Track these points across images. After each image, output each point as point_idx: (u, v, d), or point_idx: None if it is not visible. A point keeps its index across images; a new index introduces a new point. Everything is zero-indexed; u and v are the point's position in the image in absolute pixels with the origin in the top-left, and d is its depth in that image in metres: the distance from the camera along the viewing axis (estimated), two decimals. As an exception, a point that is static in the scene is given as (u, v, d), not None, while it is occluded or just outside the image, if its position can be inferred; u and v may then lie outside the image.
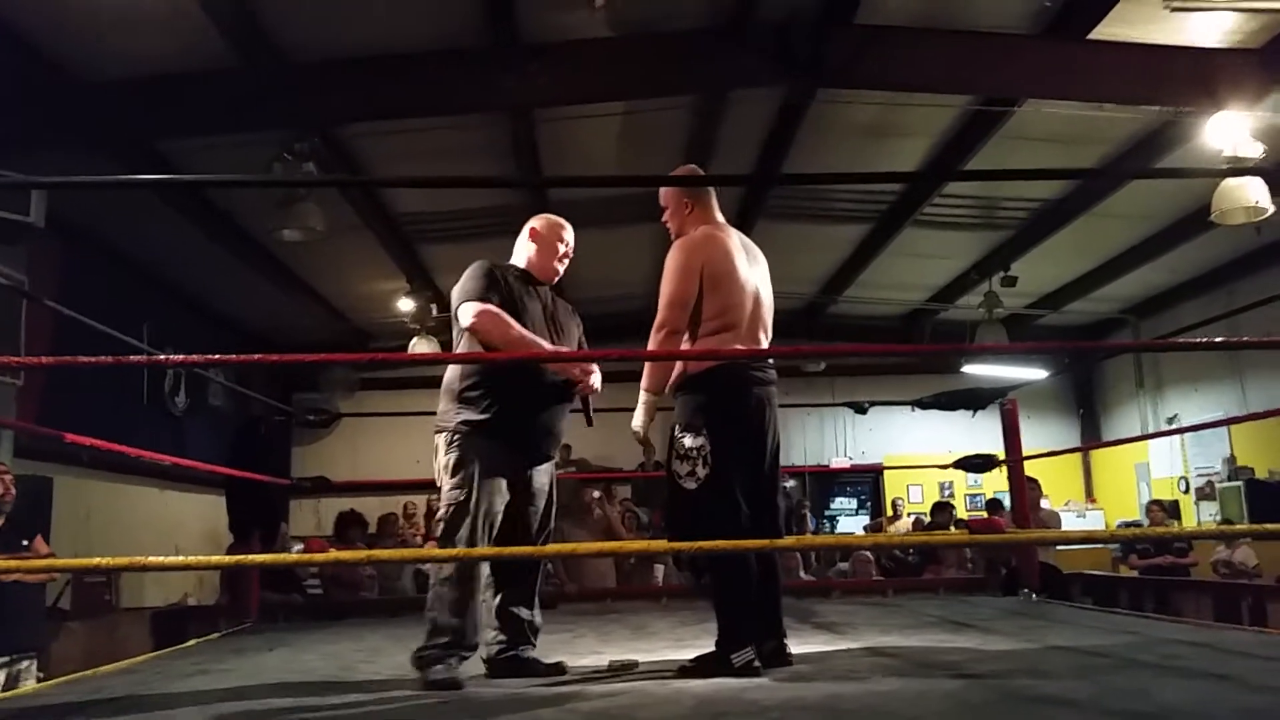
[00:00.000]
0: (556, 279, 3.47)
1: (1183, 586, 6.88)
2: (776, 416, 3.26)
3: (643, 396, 3.22)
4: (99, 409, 7.35)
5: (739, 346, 3.16)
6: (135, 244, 8.15)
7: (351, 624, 5.41)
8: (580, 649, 3.77)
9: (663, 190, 3.48)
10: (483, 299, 3.15)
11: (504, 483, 3.16)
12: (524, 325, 3.17)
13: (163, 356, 1.57)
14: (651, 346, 3.16)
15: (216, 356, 1.93)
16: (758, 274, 3.32)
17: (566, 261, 3.48)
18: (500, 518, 3.16)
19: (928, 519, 9.67)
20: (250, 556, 1.88)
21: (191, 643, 4.67)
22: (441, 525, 3.12)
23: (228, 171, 6.56)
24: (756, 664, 2.95)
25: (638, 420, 3.23)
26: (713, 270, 3.16)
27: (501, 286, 3.21)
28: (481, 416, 3.13)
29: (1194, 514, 10.63)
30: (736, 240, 3.31)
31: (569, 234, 3.49)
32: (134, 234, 7.91)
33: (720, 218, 3.37)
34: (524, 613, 3.27)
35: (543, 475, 3.34)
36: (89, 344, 4.13)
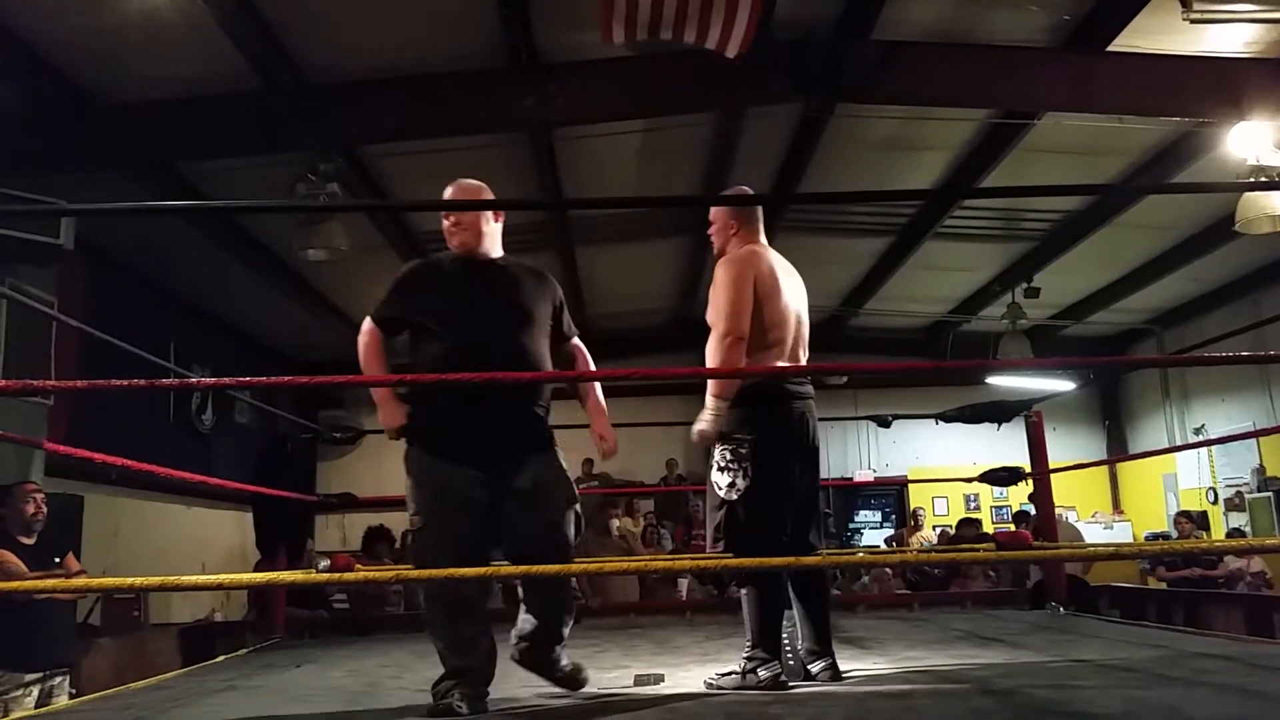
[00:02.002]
0: (474, 248, 3.12)
1: (1213, 599, 6.80)
2: (817, 431, 3.31)
3: (712, 403, 3.10)
4: (127, 427, 7.44)
5: (783, 364, 3.20)
6: (161, 264, 8.25)
7: (377, 639, 5.45)
8: (605, 663, 3.78)
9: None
10: (372, 315, 3.13)
11: (456, 499, 2.88)
12: (441, 315, 3.01)
13: (194, 379, 1.59)
14: (718, 355, 3.11)
15: (248, 379, 1.96)
16: (797, 293, 3.36)
17: (460, 229, 3.15)
18: (471, 535, 2.87)
19: (952, 531, 9.63)
20: (280, 574, 1.90)
21: (220, 659, 4.71)
22: (411, 554, 3.12)
23: (251, 192, 6.62)
24: (783, 678, 2.97)
25: (706, 424, 3.13)
26: (761, 286, 3.20)
27: (401, 290, 3.10)
28: (418, 427, 2.97)
29: (1223, 525, 10.52)
30: (778, 260, 3.36)
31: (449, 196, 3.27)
32: (159, 254, 8.02)
33: (764, 239, 3.43)
34: (553, 651, 3.05)
35: (521, 482, 2.92)
36: (117, 363, 4.19)
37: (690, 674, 3.37)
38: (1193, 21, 5.14)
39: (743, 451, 3.11)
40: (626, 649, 4.34)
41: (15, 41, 5.08)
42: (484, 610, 3.00)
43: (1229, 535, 9.79)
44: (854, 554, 8.11)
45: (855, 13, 5.65)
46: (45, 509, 5.06)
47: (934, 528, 11.41)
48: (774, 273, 3.26)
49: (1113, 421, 13.00)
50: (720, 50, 5.15)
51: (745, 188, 3.73)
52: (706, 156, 7.30)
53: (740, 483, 3.09)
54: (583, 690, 3.09)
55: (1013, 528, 9.67)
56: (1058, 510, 7.54)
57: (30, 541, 4.95)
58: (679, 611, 6.32)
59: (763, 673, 2.96)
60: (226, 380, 1.94)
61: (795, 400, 3.21)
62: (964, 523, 9.43)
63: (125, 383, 2.16)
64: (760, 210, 3.51)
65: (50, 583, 4.07)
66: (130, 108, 5.82)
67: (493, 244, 3.17)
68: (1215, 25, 5.35)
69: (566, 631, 3.09)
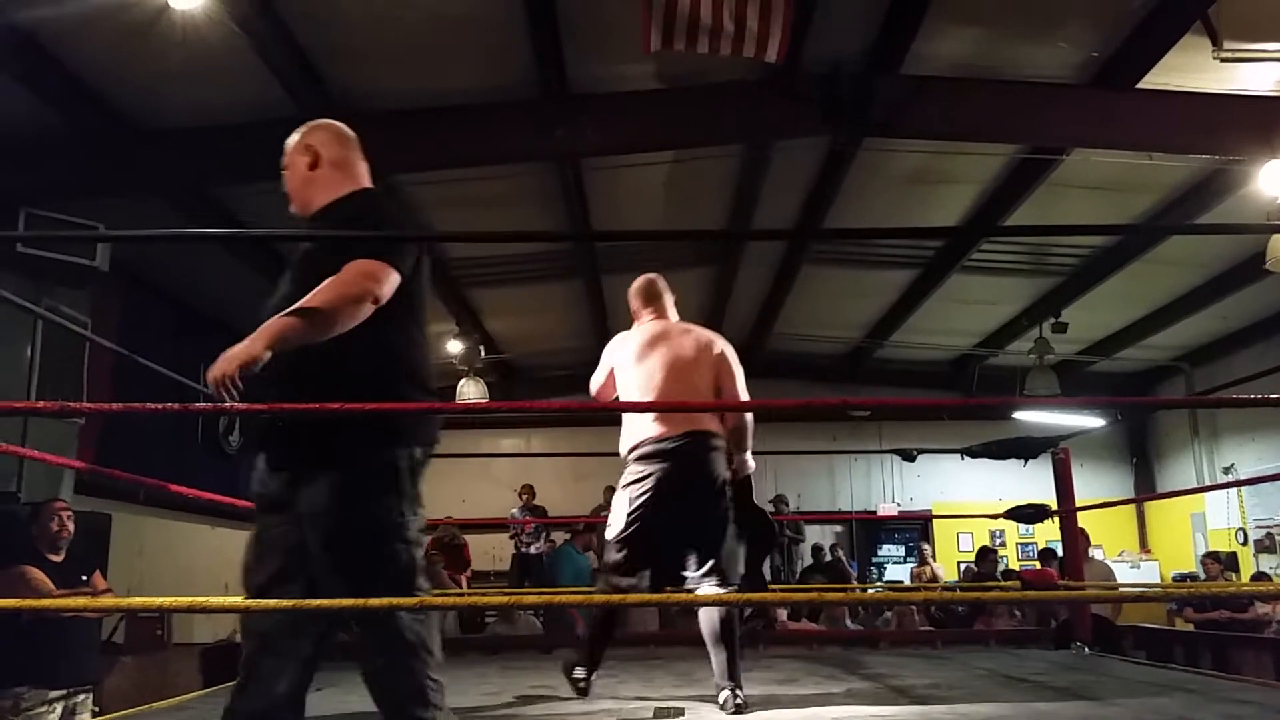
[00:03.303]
0: (297, 209, 2.68)
1: (1241, 643, 6.69)
2: (697, 474, 3.48)
3: None
4: (155, 447, 7.52)
5: (655, 423, 3.51)
6: (193, 286, 8.37)
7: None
8: (624, 694, 3.77)
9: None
10: None
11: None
12: None
13: (226, 404, 1.61)
14: None
15: (278, 405, 1.98)
16: (671, 358, 3.65)
17: (289, 185, 2.66)
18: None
19: (976, 568, 9.55)
20: (307, 601, 1.93)
21: (241, 681, 4.72)
22: None
23: (282, 217, 6.70)
24: (582, 682, 3.53)
25: None
26: (617, 361, 3.77)
27: None
28: None
29: (1253, 567, 10.36)
30: (658, 333, 3.76)
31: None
32: (192, 277, 8.14)
33: (668, 314, 3.91)
34: None
35: (302, 505, 2.24)
36: (148, 384, 4.26)
37: (712, 709, 3.35)
38: (1223, 60, 5.13)
39: (618, 502, 3.55)
40: (646, 680, 4.31)
41: (59, 68, 5.21)
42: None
43: (1255, 578, 9.63)
44: (858, 589, 8.04)
45: (884, 47, 5.69)
46: (73, 526, 5.11)
47: (959, 564, 11.38)
48: (636, 349, 3.72)
49: (1141, 459, 12.87)
50: (759, 57, 5.23)
51: (654, 275, 4.04)
52: (734, 188, 7.35)
53: (619, 525, 3.52)
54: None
55: (1038, 565, 9.56)
56: (1090, 549, 7.46)
57: (58, 559, 4.99)
58: (699, 643, 6.26)
59: (575, 675, 3.60)
60: (259, 405, 1.97)
61: (660, 458, 3.47)
62: (983, 553, 9.35)
63: (159, 406, 2.20)
64: (658, 290, 3.93)
65: (80, 601, 4.11)
66: (169, 134, 5.94)
67: (329, 192, 2.55)
68: (1246, 64, 5.34)
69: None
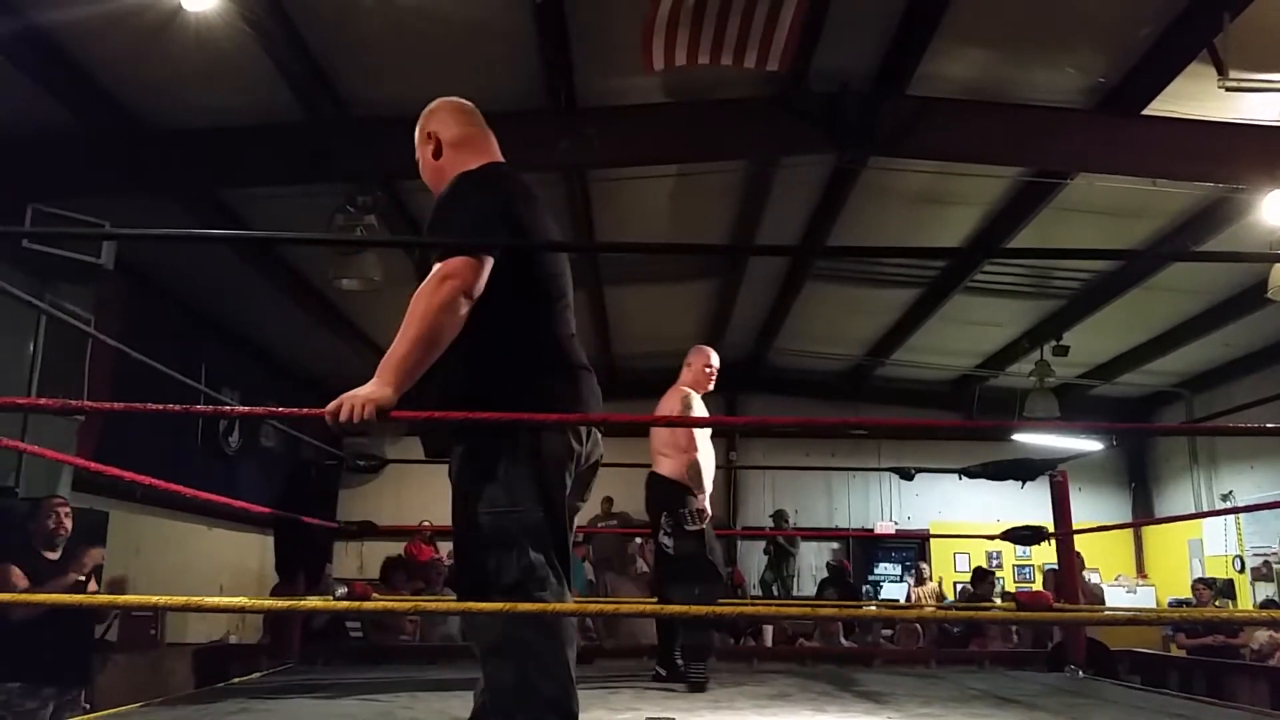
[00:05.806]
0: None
1: (1237, 670, 6.66)
2: (653, 509, 4.82)
3: None
4: (155, 446, 7.53)
5: None
6: (197, 286, 8.40)
7: (390, 668, 5.45)
8: (617, 704, 3.77)
9: None
10: None
11: None
12: None
13: (227, 407, 1.61)
14: None
15: (279, 410, 2.00)
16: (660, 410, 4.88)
17: (423, 178, 2.66)
18: None
19: (973, 589, 9.55)
20: (302, 601, 1.92)
21: (235, 681, 4.73)
22: None
23: (290, 220, 6.73)
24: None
25: None
26: None
27: None
28: None
29: (1249, 594, 10.34)
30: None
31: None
32: (197, 276, 8.16)
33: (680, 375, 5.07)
34: None
35: None
36: (149, 382, 4.26)
37: (702, 718, 3.36)
38: (1228, 89, 5.15)
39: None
40: (639, 691, 4.32)
41: (73, 67, 5.24)
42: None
43: (1262, 606, 9.59)
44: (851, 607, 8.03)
45: (891, 68, 5.71)
46: (68, 524, 5.11)
47: (955, 585, 11.36)
48: None
49: (1139, 484, 12.85)
50: (760, 67, 5.22)
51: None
52: (739, 202, 7.37)
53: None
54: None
55: (1036, 587, 9.55)
56: (1083, 572, 7.45)
57: (54, 556, 5.00)
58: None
59: None
60: (259, 410, 1.99)
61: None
62: (979, 574, 9.34)
63: (160, 407, 2.21)
64: (687, 361, 5.06)
65: (81, 599, 4.10)
66: (178, 134, 5.96)
67: (441, 180, 2.52)
68: (1251, 94, 5.35)
69: None
